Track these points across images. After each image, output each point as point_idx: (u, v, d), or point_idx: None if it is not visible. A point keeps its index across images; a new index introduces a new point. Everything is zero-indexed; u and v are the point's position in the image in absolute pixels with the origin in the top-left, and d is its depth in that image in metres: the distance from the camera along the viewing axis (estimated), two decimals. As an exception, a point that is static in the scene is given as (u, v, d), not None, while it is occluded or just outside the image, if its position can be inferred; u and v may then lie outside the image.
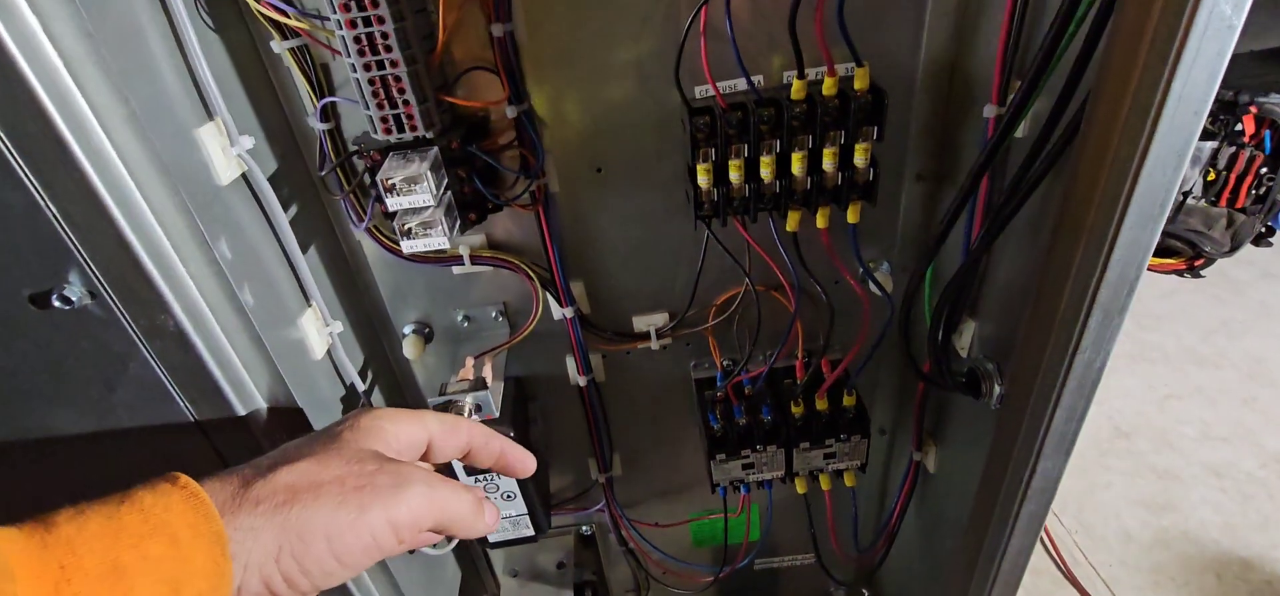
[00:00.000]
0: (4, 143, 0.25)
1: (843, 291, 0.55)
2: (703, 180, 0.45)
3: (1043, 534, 1.32)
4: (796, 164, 0.44)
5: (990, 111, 0.40)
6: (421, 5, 0.40)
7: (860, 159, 0.44)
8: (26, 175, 0.25)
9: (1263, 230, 1.97)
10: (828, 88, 0.42)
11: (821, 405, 0.54)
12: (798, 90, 0.42)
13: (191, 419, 0.33)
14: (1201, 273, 1.94)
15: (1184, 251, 1.94)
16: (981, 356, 0.46)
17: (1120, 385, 1.66)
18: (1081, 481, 1.44)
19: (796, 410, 0.55)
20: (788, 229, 0.49)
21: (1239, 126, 1.90)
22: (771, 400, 0.56)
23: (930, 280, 0.46)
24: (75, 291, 0.28)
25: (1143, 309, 1.88)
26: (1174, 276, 1.96)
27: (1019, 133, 0.39)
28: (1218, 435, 1.50)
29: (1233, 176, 1.91)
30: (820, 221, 0.48)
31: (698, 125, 0.43)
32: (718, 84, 0.43)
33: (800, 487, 0.59)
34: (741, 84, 0.43)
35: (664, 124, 0.48)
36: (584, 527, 0.74)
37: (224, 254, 0.33)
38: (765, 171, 0.44)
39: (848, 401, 0.54)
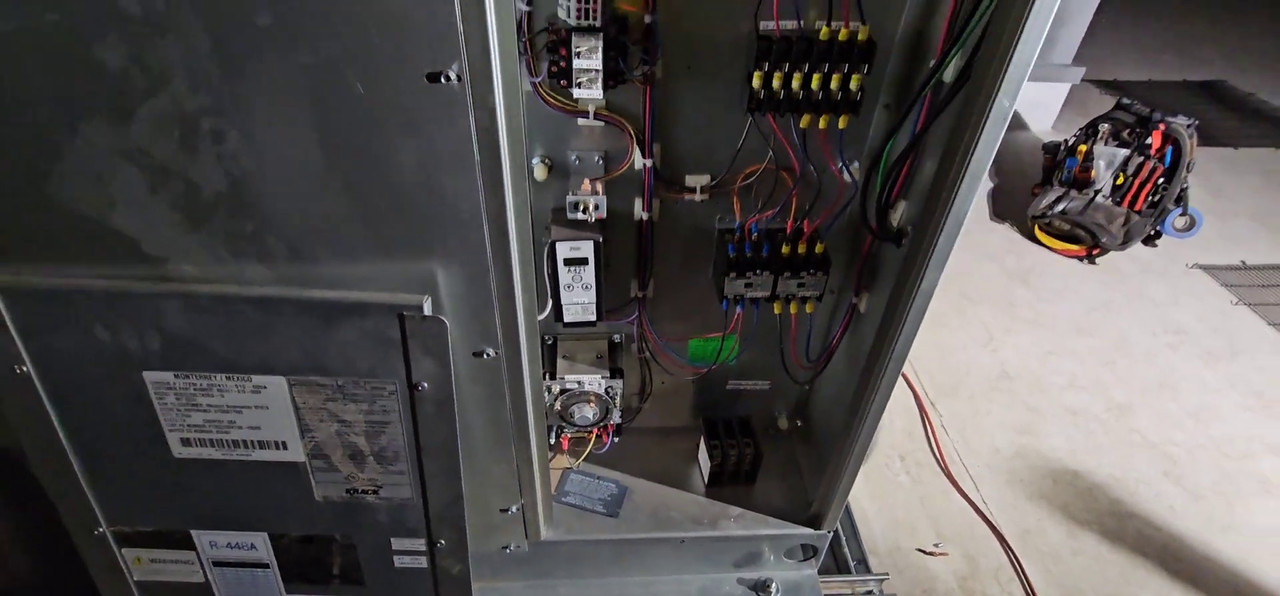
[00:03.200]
0: None
1: (828, 176, 0.88)
2: (756, 83, 0.76)
3: (932, 441, 1.75)
4: (815, 81, 0.76)
5: (933, 64, 0.72)
6: (611, -59, 0.68)
7: (854, 84, 0.76)
8: (459, 13, 0.53)
9: (1152, 233, 2.44)
10: (842, 35, 0.73)
11: (801, 249, 0.88)
12: (824, 34, 0.73)
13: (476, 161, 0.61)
14: (1096, 261, 2.40)
15: (1086, 240, 2.39)
16: (905, 222, 0.81)
17: (1015, 341, 2.10)
18: (969, 406, 1.88)
19: (785, 251, 0.88)
20: (800, 126, 0.81)
21: (1149, 140, 2.34)
22: (769, 243, 0.89)
23: (883, 169, 0.79)
24: (452, 72, 0.56)
25: (1045, 284, 2.33)
26: (1074, 261, 2.41)
27: (946, 77, 0.71)
28: (1079, 385, 1.96)
29: (1136, 183, 2.35)
30: (821, 123, 0.80)
31: (760, 46, 0.74)
32: (780, 21, 0.74)
33: (777, 309, 0.93)
34: (791, 24, 0.74)
35: (736, 44, 0.78)
36: (615, 336, 1.06)
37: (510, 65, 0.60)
38: (795, 84, 0.76)
39: (818, 249, 0.88)
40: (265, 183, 0.62)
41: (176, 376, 0.70)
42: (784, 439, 1.21)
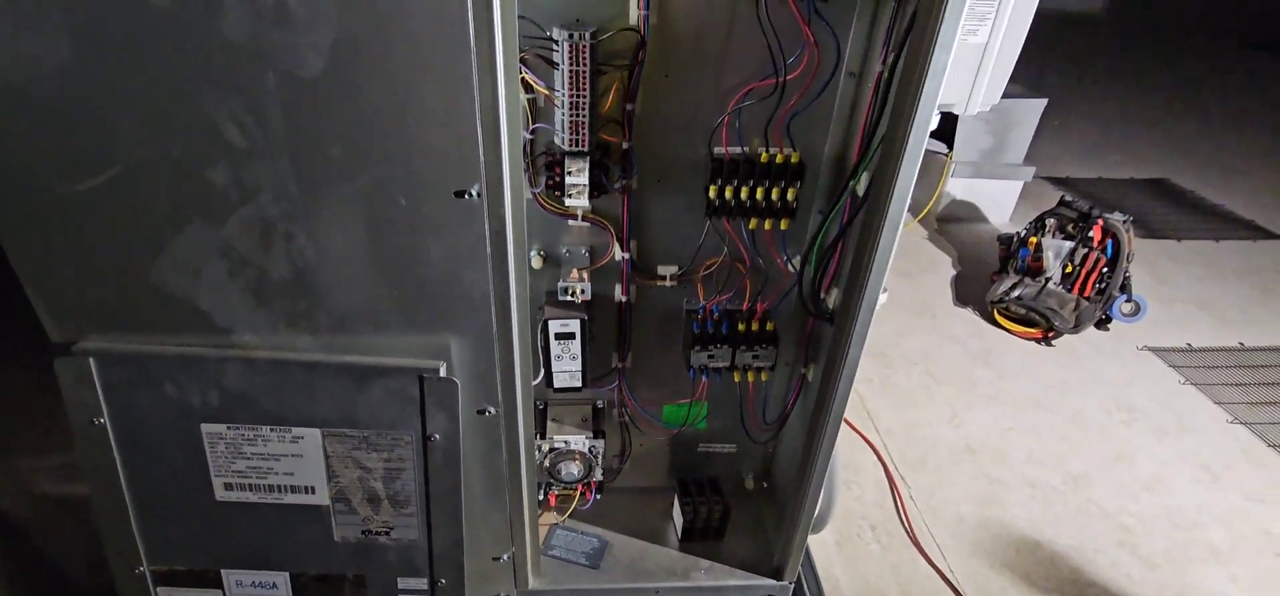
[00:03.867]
0: (479, 123, 0.72)
1: (774, 266, 1.07)
2: (712, 194, 0.96)
3: (901, 512, 1.89)
4: (759, 193, 0.96)
5: (852, 182, 0.93)
6: (595, 90, 0.89)
7: (790, 196, 0.97)
8: (481, 136, 0.72)
9: (1102, 317, 2.65)
10: (779, 159, 0.94)
11: (755, 326, 1.06)
12: (764, 157, 0.94)
13: (489, 256, 0.79)
14: (1052, 343, 2.60)
15: (1041, 324, 2.59)
16: (836, 305, 0.99)
17: (977, 415, 2.27)
18: (934, 478, 2.03)
19: (741, 327, 1.06)
20: (749, 228, 1.01)
21: (1090, 234, 2.59)
22: (728, 322, 1.07)
23: (815, 261, 0.98)
24: (474, 190, 0.75)
25: (1005, 364, 2.51)
26: (1032, 343, 2.61)
27: (859, 190, 0.91)
28: (1038, 459, 2.11)
29: (1083, 272, 2.58)
30: (767, 225, 1.00)
31: (714, 166, 0.94)
32: (729, 147, 0.95)
33: (737, 377, 1.10)
34: (738, 149, 0.95)
35: (696, 164, 0.99)
36: (598, 401, 1.22)
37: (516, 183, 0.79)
38: (744, 194, 0.96)
39: (769, 327, 1.06)
40: (322, 271, 0.79)
41: (229, 428, 0.86)
42: (750, 498, 1.35)
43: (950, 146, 3.14)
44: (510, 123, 0.73)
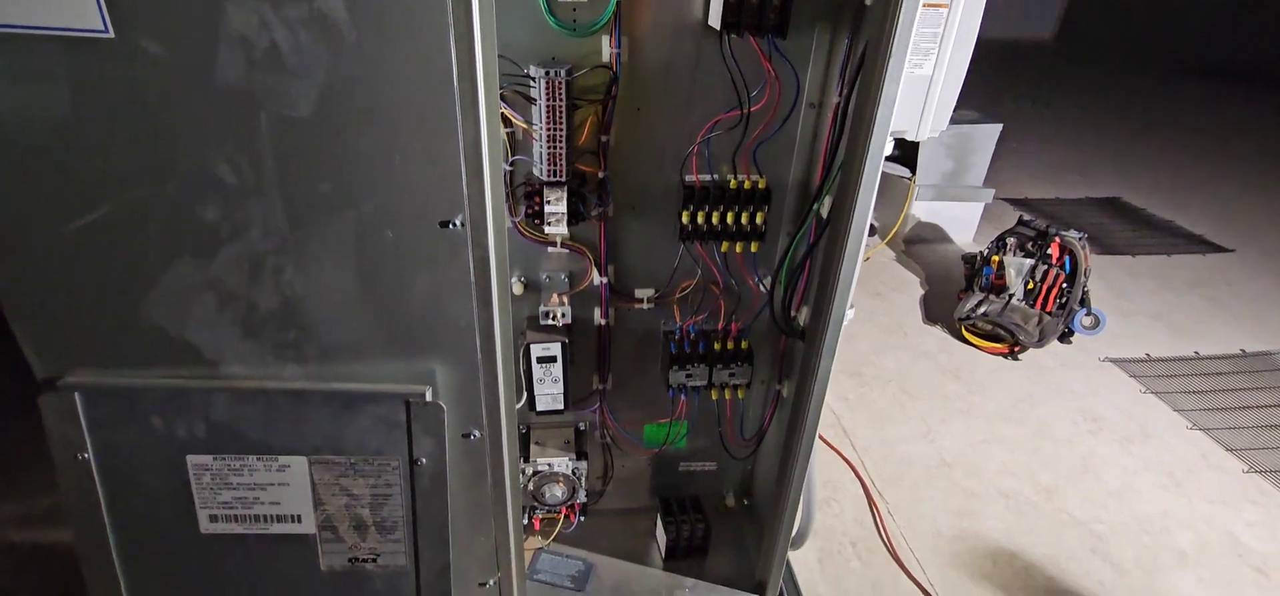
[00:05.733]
0: (462, 157, 0.76)
1: (746, 287, 1.13)
2: (685, 219, 1.02)
3: (880, 528, 1.93)
4: (729, 217, 1.02)
5: (815, 205, 1.00)
6: (571, 123, 0.95)
7: (759, 219, 1.03)
8: (464, 169, 0.77)
9: (1065, 331, 2.76)
10: (747, 185, 1.00)
11: (730, 345, 1.11)
12: (733, 184, 1.00)
13: (473, 286, 0.84)
14: (1019, 357, 2.70)
15: (1007, 339, 2.69)
16: (806, 322, 1.05)
17: (950, 430, 2.34)
18: (911, 494, 2.08)
19: (717, 346, 1.11)
20: (721, 250, 1.07)
21: (1049, 251, 2.72)
22: (704, 341, 1.12)
23: (784, 280, 1.04)
24: (458, 221, 0.79)
25: (975, 379, 2.60)
26: (1000, 358, 2.71)
27: (823, 213, 0.97)
28: (1010, 470, 2.19)
29: (1044, 287, 2.70)
30: (738, 248, 1.06)
31: (686, 193, 1.00)
32: (699, 175, 1.01)
33: (714, 395, 1.15)
34: (707, 176, 1.01)
35: (669, 190, 1.05)
36: (580, 424, 1.25)
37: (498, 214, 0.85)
38: (715, 219, 1.02)
39: (744, 345, 1.12)
40: (310, 302, 0.83)
41: (215, 458, 0.87)
42: (731, 515, 1.39)
43: (913, 171, 3.28)
44: (492, 156, 0.78)
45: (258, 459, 0.88)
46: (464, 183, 0.78)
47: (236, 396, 0.85)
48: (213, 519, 0.91)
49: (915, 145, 3.11)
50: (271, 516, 0.91)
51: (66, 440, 0.84)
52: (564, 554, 1.27)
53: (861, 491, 2.08)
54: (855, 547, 1.89)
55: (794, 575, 1.59)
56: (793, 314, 1.05)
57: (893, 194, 3.49)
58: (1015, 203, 3.96)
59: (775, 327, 1.17)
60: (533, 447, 1.20)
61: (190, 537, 0.91)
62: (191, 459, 0.87)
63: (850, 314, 0.99)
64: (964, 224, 3.46)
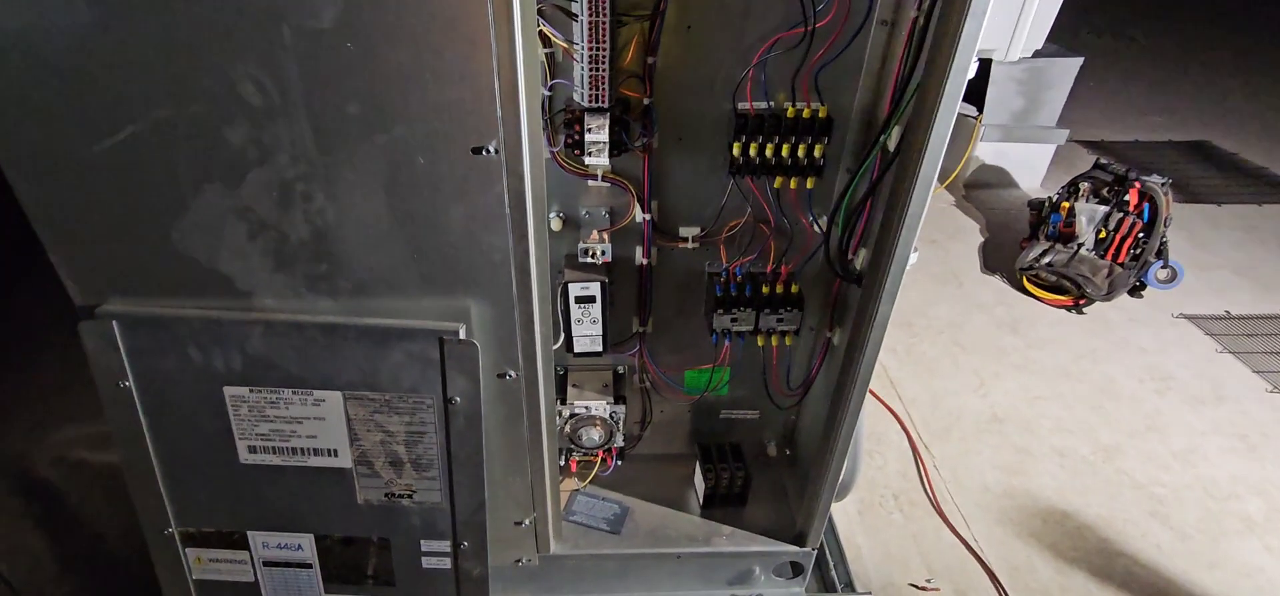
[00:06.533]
0: (496, 77, 0.70)
1: (800, 227, 1.05)
2: (735, 152, 0.94)
3: (925, 481, 1.87)
4: (785, 150, 0.94)
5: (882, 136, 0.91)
6: (615, 42, 0.87)
7: (817, 152, 0.94)
8: (499, 90, 0.71)
9: (1136, 284, 2.59)
10: (805, 113, 0.92)
11: (779, 289, 1.05)
12: (790, 113, 0.92)
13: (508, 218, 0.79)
14: (1084, 310, 2.55)
15: (1072, 291, 2.54)
16: (864, 266, 0.97)
17: (1003, 385, 2.24)
18: (960, 447, 2.01)
19: (765, 290, 1.05)
20: (774, 187, 0.99)
21: (1126, 197, 2.52)
22: (751, 285, 1.06)
23: (842, 220, 0.96)
24: (492, 147, 0.74)
25: (1034, 332, 2.47)
26: (1062, 311, 2.56)
27: (890, 145, 0.89)
28: (1066, 428, 2.08)
29: (1118, 237, 2.52)
30: (793, 184, 0.98)
31: (738, 122, 0.92)
32: (753, 102, 0.92)
33: (760, 342, 1.09)
34: (763, 104, 0.93)
35: (720, 120, 0.97)
36: (619, 367, 1.22)
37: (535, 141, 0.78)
38: (768, 152, 0.94)
39: (794, 290, 1.05)
40: (341, 233, 0.79)
41: (252, 391, 0.87)
42: (772, 465, 1.35)
43: (980, 108, 3.06)
44: (528, 76, 0.72)
45: (293, 392, 0.87)
46: (498, 105, 0.72)
47: (270, 329, 0.83)
48: (252, 449, 0.91)
49: (984, 81, 2.89)
50: (308, 450, 0.91)
51: (108, 368, 0.84)
52: (600, 496, 1.26)
53: (907, 443, 2.01)
54: (897, 500, 1.84)
55: (834, 526, 1.56)
56: (850, 256, 0.98)
57: (956, 134, 3.26)
58: (1090, 145, 3.69)
59: (828, 271, 1.09)
60: (570, 390, 1.17)
61: (231, 467, 0.92)
62: (229, 390, 0.87)
63: (914, 257, 0.91)
64: (1032, 168, 3.24)
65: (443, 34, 0.68)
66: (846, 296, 1.06)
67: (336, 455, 0.91)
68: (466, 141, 0.74)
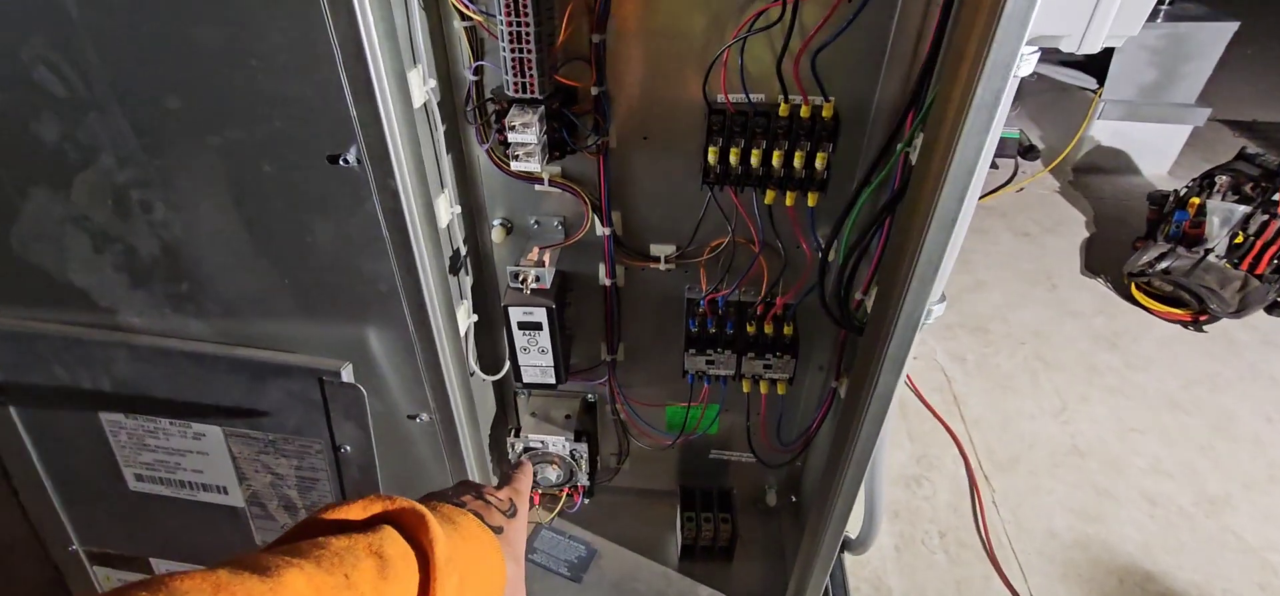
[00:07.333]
0: (341, 69, 0.53)
1: (799, 253, 0.83)
2: (711, 157, 0.72)
3: (979, 519, 1.61)
4: (775, 158, 0.71)
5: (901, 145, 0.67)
6: (551, 15, 0.67)
7: (819, 162, 0.71)
8: (346, 88, 0.54)
9: (1275, 301, 2.14)
10: (805, 110, 0.69)
11: (769, 329, 0.83)
12: (783, 109, 0.69)
13: (387, 240, 0.62)
14: (1204, 327, 2.14)
15: (1191, 304, 2.13)
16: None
17: (1091, 411, 1.90)
18: (1028, 482, 1.72)
19: (751, 329, 0.83)
20: (765, 202, 0.76)
21: (1276, 197, 2.06)
22: (734, 320, 0.85)
23: (845, 248, 0.73)
24: (350, 157, 0.57)
25: (1138, 349, 2.09)
26: (1177, 326, 2.16)
27: (912, 156, 0.65)
28: (1165, 470, 1.75)
29: (1259, 243, 2.07)
30: (788, 200, 0.75)
31: (712, 120, 0.70)
32: (729, 95, 0.70)
33: (745, 388, 0.88)
34: (741, 98, 0.70)
35: (693, 116, 0.75)
36: (589, 395, 1.04)
37: (413, 149, 0.62)
38: (754, 160, 0.72)
39: (787, 331, 0.83)
40: (194, 249, 0.65)
41: (127, 417, 0.76)
42: (771, 516, 1.15)
43: (1101, 81, 2.58)
44: (387, 61, 0.53)
45: (170, 423, 0.76)
46: (349, 102, 0.54)
47: (135, 353, 0.71)
48: (139, 477, 0.81)
49: (1107, 49, 2.42)
50: (196, 484, 0.80)
51: (-25, 380, 0.76)
52: (567, 534, 1.11)
53: (964, 471, 1.74)
54: (943, 538, 1.59)
55: (845, 577, 1.34)
56: (858, 297, 0.75)
57: (1068, 108, 2.77)
58: (1237, 127, 3.09)
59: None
60: (528, 420, 1.01)
61: (122, 492, 0.83)
62: (104, 415, 0.77)
63: (939, 309, 0.68)
64: (1159, 152, 2.73)
65: (263, 8, 0.50)
66: (856, 341, 0.83)
67: (226, 493, 0.80)
68: (319, 147, 0.57)
